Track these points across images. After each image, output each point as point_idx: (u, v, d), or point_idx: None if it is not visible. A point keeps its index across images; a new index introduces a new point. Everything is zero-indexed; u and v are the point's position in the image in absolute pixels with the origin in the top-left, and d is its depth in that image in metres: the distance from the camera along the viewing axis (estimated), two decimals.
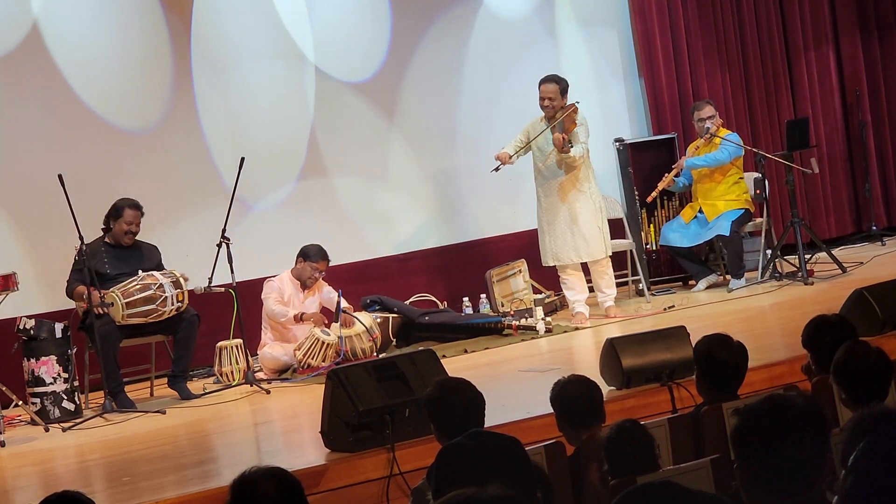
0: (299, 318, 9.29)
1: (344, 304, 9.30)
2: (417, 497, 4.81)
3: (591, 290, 10.17)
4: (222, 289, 8.99)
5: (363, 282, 10.44)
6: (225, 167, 9.88)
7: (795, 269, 10.41)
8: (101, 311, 8.58)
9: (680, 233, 10.82)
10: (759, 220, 10.90)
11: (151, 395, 9.29)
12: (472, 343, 9.62)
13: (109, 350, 8.67)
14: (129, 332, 8.82)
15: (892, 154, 12.49)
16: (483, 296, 10.58)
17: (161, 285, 8.74)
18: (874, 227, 12.18)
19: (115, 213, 9.00)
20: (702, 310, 9.92)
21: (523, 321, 9.84)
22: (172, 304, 8.76)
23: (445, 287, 10.86)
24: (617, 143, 11.22)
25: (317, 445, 6.64)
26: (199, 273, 9.07)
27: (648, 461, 4.62)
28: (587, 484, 5.03)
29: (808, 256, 10.52)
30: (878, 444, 2.96)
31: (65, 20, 9.78)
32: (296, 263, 9.52)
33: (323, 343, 9.11)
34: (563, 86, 9.86)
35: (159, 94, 10.09)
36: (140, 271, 8.84)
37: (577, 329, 9.79)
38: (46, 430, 8.24)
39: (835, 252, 10.94)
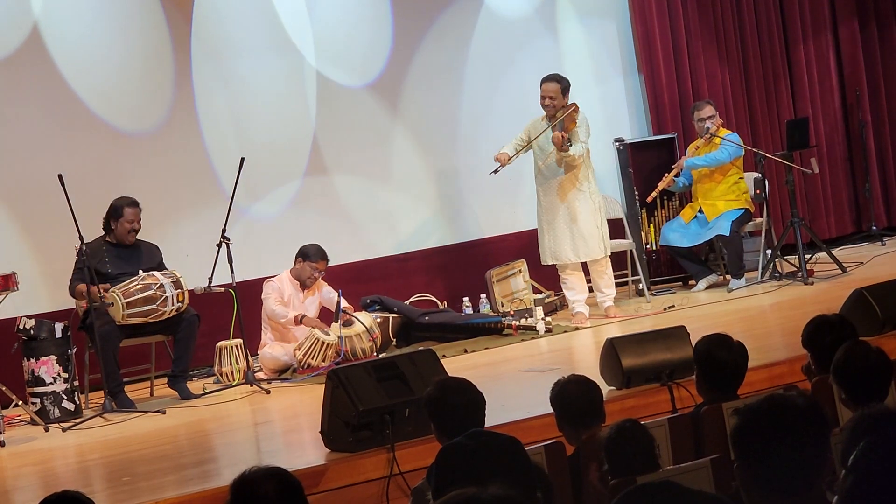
0: (299, 321, 9.29)
1: (344, 303, 9.30)
2: (417, 497, 4.81)
3: (592, 290, 10.17)
4: (222, 289, 8.99)
5: (363, 282, 10.44)
6: (225, 167, 9.87)
7: (795, 269, 10.41)
8: (101, 298, 8.55)
9: (680, 233, 10.82)
10: (759, 220, 10.90)
11: (151, 395, 9.29)
12: (472, 343, 9.62)
13: (109, 350, 8.67)
14: (129, 331, 8.82)
15: (892, 154, 12.49)
16: (483, 296, 10.58)
17: (161, 285, 8.74)
18: (874, 227, 12.18)
19: (114, 213, 9.00)
20: (702, 310, 9.92)
21: (523, 321, 9.84)
22: (173, 304, 8.76)
23: (445, 287, 10.86)
24: (617, 143, 11.22)
25: (317, 445, 6.64)
26: (199, 273, 9.08)
27: (648, 461, 4.62)
28: (587, 484, 5.03)
29: (808, 256, 10.52)
30: (878, 444, 2.96)
31: (65, 21, 9.78)
32: (295, 263, 9.52)
33: (323, 343, 9.11)
34: (564, 85, 9.87)
35: (160, 95, 10.09)
36: (141, 271, 8.84)
37: (577, 329, 9.79)
38: (46, 429, 8.24)
39: (835, 252, 10.94)
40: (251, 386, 8.85)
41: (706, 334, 5.58)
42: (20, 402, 8.46)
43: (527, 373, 8.36)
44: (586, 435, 5.20)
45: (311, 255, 9.45)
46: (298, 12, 10.53)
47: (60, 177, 8.44)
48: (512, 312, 10.11)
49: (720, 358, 5.44)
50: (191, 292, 8.92)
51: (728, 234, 10.58)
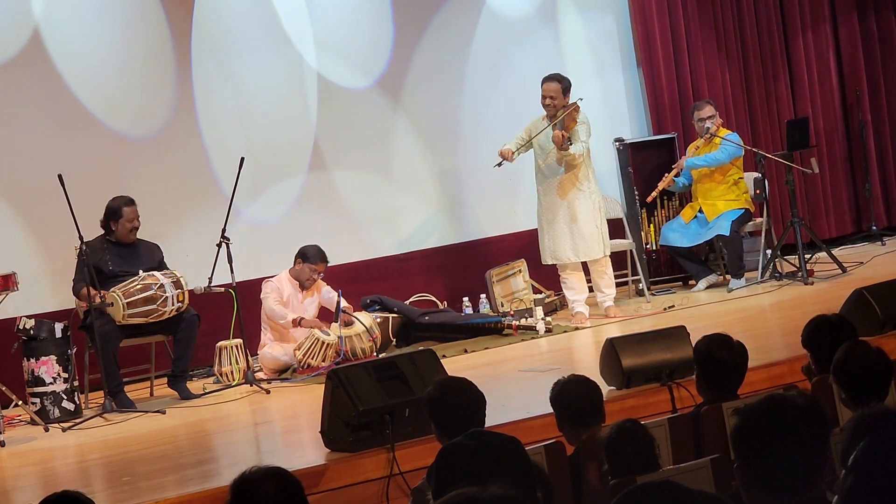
0: (297, 323, 9.28)
1: (344, 303, 9.30)
2: (417, 497, 4.81)
3: (592, 289, 10.17)
4: (222, 289, 8.99)
5: (363, 282, 10.44)
6: (226, 167, 9.86)
7: (795, 268, 10.41)
8: (101, 299, 8.56)
9: (680, 233, 10.82)
10: (759, 219, 10.90)
11: (151, 395, 9.29)
12: (472, 343, 9.62)
13: (109, 350, 8.67)
14: (129, 331, 8.82)
15: (892, 154, 12.48)
16: (483, 296, 10.58)
17: (162, 285, 8.74)
18: (874, 227, 12.18)
19: (113, 214, 8.99)
20: (702, 310, 9.92)
21: (523, 321, 9.84)
22: (173, 305, 8.76)
23: (445, 287, 10.86)
24: (617, 143, 11.22)
25: (317, 445, 6.64)
26: (199, 273, 9.08)
27: (648, 461, 4.62)
28: (587, 484, 5.03)
29: (808, 256, 10.51)
30: (878, 444, 2.96)
31: (65, 24, 9.77)
32: (294, 264, 9.52)
33: (323, 343, 9.11)
34: (565, 85, 9.87)
35: (160, 96, 10.09)
36: (141, 271, 8.84)
37: (577, 329, 9.79)
38: (46, 429, 8.24)
39: (835, 252, 10.94)
40: (251, 386, 8.85)
41: (706, 334, 5.58)
42: (20, 402, 8.46)
43: (527, 373, 8.36)
44: (586, 435, 5.20)
45: (310, 256, 9.45)
46: (298, 12, 10.53)
47: (60, 177, 8.44)
48: (512, 312, 10.11)
49: (720, 358, 5.44)
50: (191, 292, 8.92)
51: (728, 234, 10.58)
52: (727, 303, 10.05)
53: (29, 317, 8.70)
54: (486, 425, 4.98)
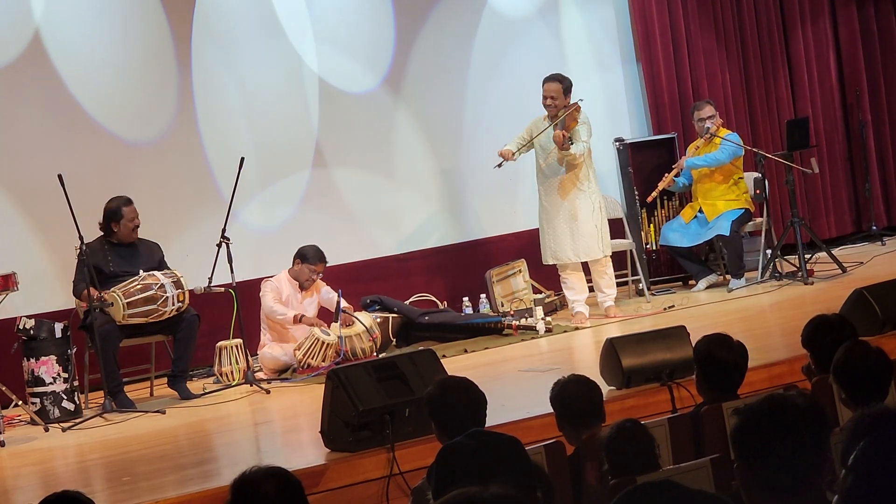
0: (298, 320, 9.29)
1: (344, 303, 9.30)
2: (417, 497, 4.81)
3: (592, 289, 10.17)
4: (222, 289, 8.99)
5: (363, 282, 10.44)
6: (226, 168, 9.85)
7: (795, 268, 10.41)
8: (100, 299, 8.56)
9: (680, 232, 10.83)
10: (759, 219, 10.90)
11: (151, 394, 9.29)
12: (472, 343, 9.62)
13: (109, 350, 8.67)
14: (129, 331, 8.82)
15: (892, 154, 12.49)
16: (483, 296, 10.58)
17: (162, 285, 8.74)
18: (874, 227, 12.18)
19: (113, 216, 8.97)
20: (702, 310, 9.92)
21: (523, 321, 9.84)
22: (173, 305, 8.76)
23: (445, 287, 10.86)
24: (617, 143, 11.22)
25: (317, 445, 6.64)
26: (199, 273, 9.08)
27: (648, 461, 4.62)
28: (587, 484, 5.03)
29: (808, 256, 10.51)
30: (878, 444, 2.96)
31: (66, 27, 9.77)
32: (293, 264, 9.52)
33: (323, 343, 9.11)
34: (566, 85, 9.88)
35: (160, 98, 10.08)
36: (141, 270, 8.84)
37: (577, 329, 9.79)
38: (46, 429, 8.24)
39: (835, 252, 10.94)
40: (251, 386, 8.85)
41: (706, 334, 5.58)
42: (20, 402, 8.46)
43: (527, 373, 8.35)
44: (586, 435, 5.20)
45: (309, 257, 9.45)
46: (299, 13, 10.53)
47: (60, 177, 8.44)
48: (512, 312, 10.11)
49: (720, 358, 5.44)
50: (191, 292, 8.92)
51: (728, 234, 10.58)
52: (727, 303, 10.05)
53: (29, 317, 8.70)
54: (486, 425, 4.97)
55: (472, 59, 11.16)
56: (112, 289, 8.67)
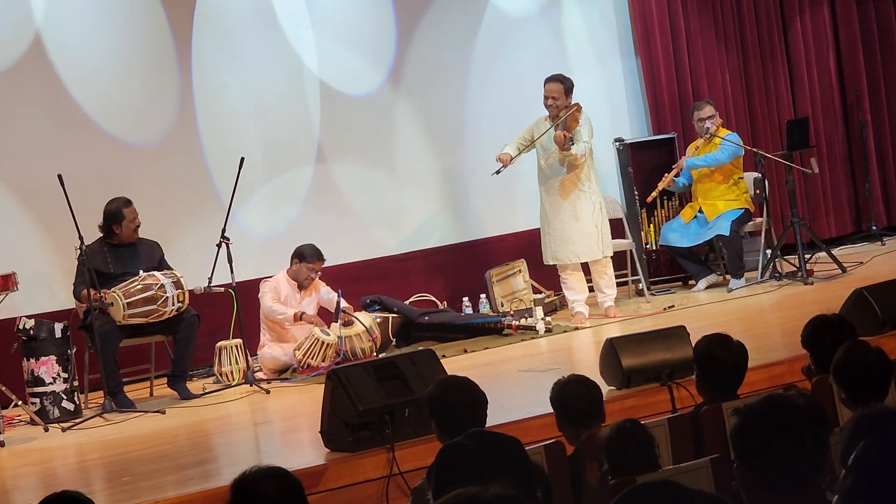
0: (299, 317, 9.29)
1: (344, 303, 9.29)
2: (417, 497, 4.81)
3: (592, 290, 10.17)
4: (222, 289, 8.99)
5: (363, 282, 10.44)
6: (227, 168, 9.83)
7: (795, 268, 10.41)
8: (101, 299, 8.57)
9: (680, 232, 10.83)
10: (758, 219, 10.90)
11: (151, 395, 9.29)
12: (471, 343, 9.62)
13: (109, 350, 8.67)
14: (129, 331, 8.82)
15: (892, 154, 12.49)
16: (483, 296, 10.58)
17: (162, 285, 8.74)
18: (874, 227, 12.18)
19: (115, 217, 8.96)
20: (702, 310, 9.92)
21: (523, 321, 9.84)
22: (173, 305, 8.76)
23: (445, 287, 10.86)
24: (617, 143, 11.21)
25: (316, 445, 6.64)
26: (198, 273, 9.08)
27: (648, 461, 4.62)
28: (587, 484, 5.03)
29: (807, 256, 10.51)
30: (878, 444, 2.96)
31: (67, 29, 9.77)
32: (291, 264, 9.51)
33: (323, 343, 9.11)
34: (567, 85, 9.87)
35: (161, 100, 10.08)
36: (141, 271, 8.84)
37: (576, 329, 9.79)
38: (46, 429, 8.24)
39: (835, 252, 10.94)
40: (251, 386, 8.85)
41: (706, 334, 5.58)
42: (20, 402, 8.46)
43: (527, 373, 8.35)
44: (586, 435, 5.20)
45: (307, 255, 9.44)
46: (300, 13, 10.53)
47: (60, 177, 8.44)
48: (512, 312, 10.11)
49: (720, 358, 5.44)
50: (191, 292, 8.92)
51: (728, 234, 10.58)
52: (727, 303, 10.05)
53: (29, 317, 8.70)
54: (486, 425, 4.97)
55: (473, 59, 11.16)
56: (112, 289, 8.67)
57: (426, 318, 9.93)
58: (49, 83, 9.69)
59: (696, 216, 10.82)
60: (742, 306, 9.84)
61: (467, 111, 11.14)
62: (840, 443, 3.31)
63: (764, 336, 8.49)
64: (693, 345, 5.88)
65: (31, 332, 8.59)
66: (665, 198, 11.12)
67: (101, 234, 8.99)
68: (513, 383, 8.08)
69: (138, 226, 9.02)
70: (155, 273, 8.84)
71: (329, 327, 9.30)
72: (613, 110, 11.60)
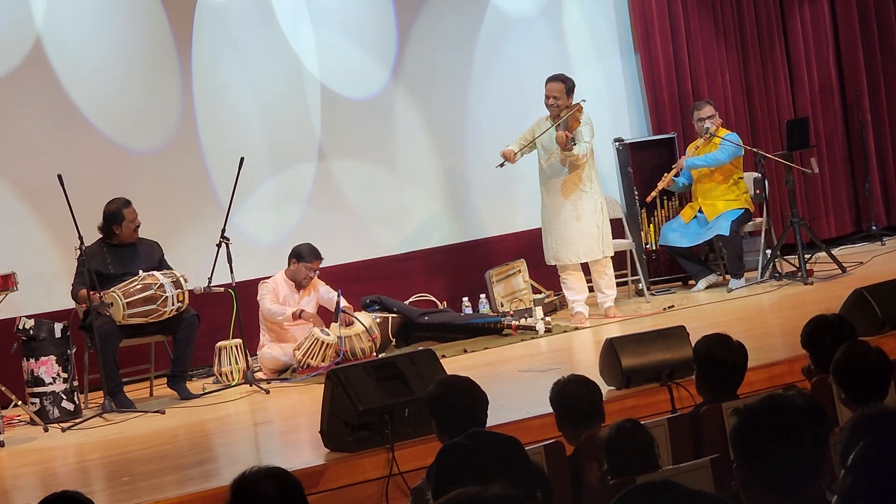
0: (298, 315, 9.29)
1: (344, 303, 9.29)
2: (417, 497, 4.81)
3: (592, 290, 10.17)
4: (222, 289, 8.99)
5: (363, 282, 10.44)
6: (227, 169, 9.83)
7: (795, 268, 10.41)
8: (102, 312, 8.58)
9: (680, 232, 10.82)
10: (758, 219, 10.90)
11: (151, 395, 9.29)
12: (471, 343, 9.62)
13: (109, 350, 8.66)
14: (128, 331, 8.82)
15: (892, 154, 12.48)
16: (483, 296, 10.58)
17: (162, 285, 8.74)
18: (874, 227, 12.18)
19: (115, 218, 8.95)
20: (701, 310, 9.92)
21: (523, 321, 9.84)
22: (173, 304, 8.76)
23: (445, 287, 10.86)
24: (617, 143, 11.21)
25: (316, 445, 6.64)
26: (198, 273, 9.08)
27: (648, 461, 4.62)
28: (586, 484, 5.03)
29: (807, 256, 10.51)
30: (878, 444, 2.96)
31: (67, 32, 9.77)
32: (289, 265, 9.51)
33: (322, 343, 9.11)
34: (568, 85, 9.87)
35: (160, 102, 10.08)
36: (141, 271, 8.84)
37: (576, 329, 9.79)
38: (46, 430, 8.24)
39: (835, 252, 10.94)
40: (251, 386, 8.85)
41: (706, 334, 5.58)
42: (20, 403, 8.46)
43: (527, 373, 8.35)
44: (586, 435, 5.20)
45: (304, 255, 9.44)
46: (300, 13, 10.53)
47: (60, 177, 8.44)
48: (511, 312, 10.11)
49: (720, 358, 5.44)
50: (191, 292, 8.92)
51: (728, 234, 10.58)
52: (727, 303, 10.05)
53: (29, 317, 8.70)
54: (486, 425, 4.97)
55: (473, 59, 11.16)
56: (112, 289, 8.67)
57: (426, 318, 9.93)
58: (49, 84, 9.70)
59: (695, 216, 10.82)
60: (742, 306, 9.84)
61: (468, 111, 11.14)
62: (840, 443, 3.31)
63: (764, 336, 8.49)
64: (693, 345, 5.88)
65: (31, 332, 8.59)
66: (665, 198, 11.12)
67: (101, 235, 8.99)
68: (513, 383, 8.07)
69: (138, 226, 9.02)
70: (154, 273, 8.84)
71: (328, 326, 9.30)
72: (613, 110, 11.60)
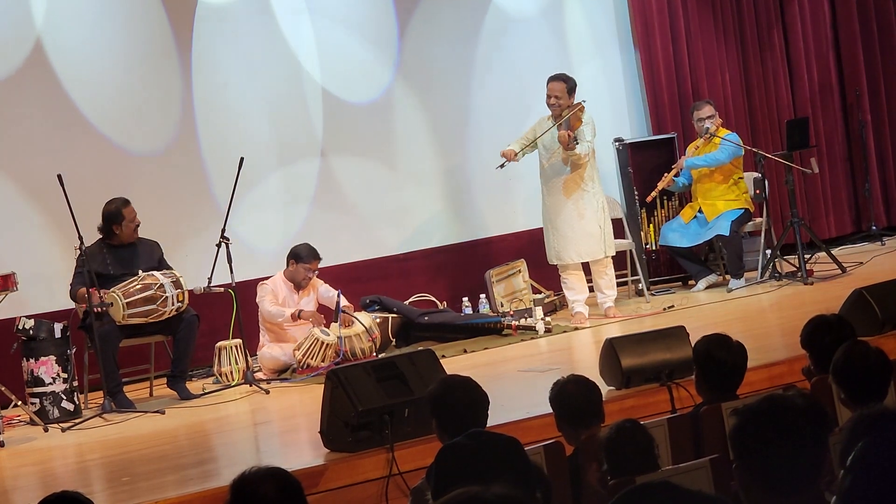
0: (297, 316, 9.29)
1: (344, 303, 9.29)
2: (416, 497, 4.81)
3: (592, 290, 10.16)
4: (222, 289, 8.98)
5: (363, 282, 10.44)
6: (227, 170, 9.82)
7: (795, 269, 10.41)
8: (99, 311, 8.58)
9: (680, 232, 10.82)
10: (758, 219, 10.90)
11: (151, 395, 9.29)
12: (471, 343, 9.62)
13: (108, 350, 8.67)
14: (128, 331, 8.82)
15: (892, 154, 12.48)
16: (483, 296, 10.58)
17: (161, 285, 8.74)
18: (874, 227, 12.18)
19: (114, 218, 8.95)
20: (701, 310, 9.92)
21: (523, 321, 9.84)
22: (173, 305, 8.76)
23: (445, 287, 10.86)
24: (617, 143, 11.21)
25: (316, 445, 6.64)
26: (198, 273, 9.08)
27: (648, 461, 4.62)
28: (586, 484, 5.03)
29: (807, 256, 10.51)
30: (877, 444, 2.96)
31: (67, 33, 9.77)
32: (287, 265, 9.50)
33: (322, 343, 9.11)
34: (570, 85, 9.87)
35: (161, 102, 10.08)
36: (141, 271, 8.84)
37: (576, 329, 9.79)
38: (46, 430, 8.24)
39: (834, 252, 10.94)
40: (250, 386, 8.85)
41: (705, 334, 5.58)
42: (19, 403, 8.46)
43: (526, 373, 8.35)
44: (585, 435, 5.20)
45: (303, 256, 9.44)
46: (299, 12, 10.53)
47: (60, 177, 8.44)
48: (511, 312, 10.11)
49: (719, 358, 5.44)
50: (190, 292, 8.92)
51: (728, 234, 10.58)
52: (727, 303, 10.05)
53: (28, 317, 8.71)
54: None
55: (474, 58, 11.15)
56: (112, 289, 8.67)
57: (426, 318, 9.93)
58: (50, 85, 9.70)
59: (695, 216, 10.82)
60: (742, 306, 9.84)
61: (469, 111, 11.14)
62: (839, 443, 3.30)
63: (764, 336, 8.49)
64: (692, 345, 5.88)
65: (31, 332, 8.59)
66: (665, 198, 11.12)
67: (101, 236, 8.99)
68: (512, 383, 8.07)
69: (138, 225, 9.02)
70: (154, 273, 8.84)
71: (328, 326, 9.30)
72: (614, 110, 11.59)
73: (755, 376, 6.73)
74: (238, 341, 9.15)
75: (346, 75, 10.71)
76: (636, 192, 10.94)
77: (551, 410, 5.40)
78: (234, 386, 9.05)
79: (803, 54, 12.11)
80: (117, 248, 9.01)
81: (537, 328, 9.69)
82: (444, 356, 8.56)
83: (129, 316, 8.63)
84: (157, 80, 10.08)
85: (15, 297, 8.56)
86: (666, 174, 10.67)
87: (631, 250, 10.74)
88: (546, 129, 9.85)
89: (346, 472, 6.29)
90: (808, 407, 3.20)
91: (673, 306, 10.09)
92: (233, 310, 8.88)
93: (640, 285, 10.70)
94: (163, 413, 8.36)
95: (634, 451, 4.63)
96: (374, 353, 9.16)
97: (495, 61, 11.22)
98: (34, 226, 9.63)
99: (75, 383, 8.72)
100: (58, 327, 8.65)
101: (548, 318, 9.91)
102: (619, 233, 10.62)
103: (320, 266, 9.55)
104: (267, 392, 8.74)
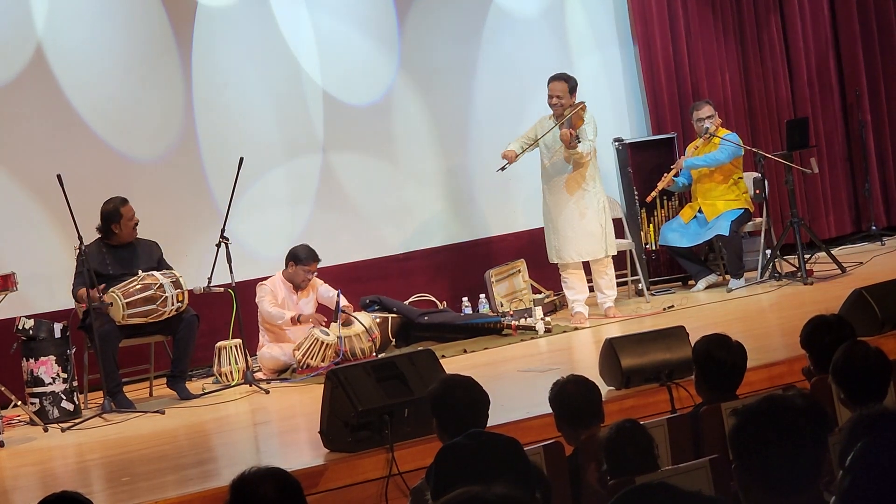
0: (296, 320, 9.28)
1: (344, 303, 9.29)
2: (416, 497, 4.81)
3: (592, 289, 10.16)
4: (221, 289, 8.98)
5: (363, 282, 10.44)
6: (227, 170, 9.82)
7: (795, 269, 10.41)
8: (100, 299, 8.57)
9: (679, 232, 10.83)
10: (758, 219, 10.90)
11: (150, 395, 9.29)
12: (471, 343, 9.62)
13: (108, 350, 8.66)
14: (128, 332, 8.82)
15: (892, 154, 12.48)
16: (482, 296, 10.58)
17: (161, 285, 8.74)
18: (874, 227, 12.18)
19: (113, 217, 8.95)
20: (701, 310, 9.92)
21: (522, 321, 9.84)
22: (172, 305, 8.76)
23: (445, 287, 10.86)
24: (616, 143, 11.21)
25: (316, 445, 6.64)
26: (198, 273, 9.08)
27: (647, 461, 4.62)
28: (586, 484, 5.03)
29: (807, 256, 10.51)
30: (876, 445, 2.96)
31: (68, 37, 9.77)
32: (286, 266, 9.50)
33: (322, 343, 9.11)
34: (571, 84, 9.87)
35: (160, 102, 10.08)
36: (140, 271, 8.84)
37: (576, 329, 9.79)
38: (45, 430, 8.24)
39: (834, 252, 10.94)
40: (250, 386, 8.85)
41: (705, 334, 5.58)
42: (19, 403, 8.46)
43: (526, 373, 8.35)
44: (585, 435, 5.20)
45: (302, 257, 9.43)
46: (299, 12, 10.53)
47: (59, 177, 8.44)
48: (511, 312, 10.11)
49: (719, 358, 5.44)
50: (190, 292, 8.92)
51: (727, 234, 10.58)
52: (726, 303, 10.05)
53: (28, 317, 8.70)
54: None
55: (476, 58, 11.15)
56: (111, 289, 8.67)
57: (426, 318, 9.93)
58: (50, 85, 9.70)
59: (695, 216, 10.82)
60: (742, 306, 9.84)
61: (469, 111, 11.14)
62: (839, 443, 3.31)
63: (763, 336, 8.49)
64: (692, 345, 5.88)
65: (31, 332, 8.59)
66: (665, 198, 11.12)
67: (100, 236, 8.99)
68: (512, 383, 8.07)
69: (136, 224, 9.02)
70: (154, 273, 8.84)
71: (328, 327, 9.30)
72: (614, 110, 11.59)
73: (755, 376, 6.73)
74: (238, 341, 9.15)
75: (347, 75, 10.71)
76: (636, 192, 10.95)
77: (551, 410, 5.40)
78: (233, 386, 9.05)
79: (803, 54, 12.11)
80: (117, 248, 9.01)
81: (537, 328, 9.69)
82: (443, 356, 8.56)
83: (128, 316, 8.63)
84: (157, 80, 10.08)
85: (15, 297, 8.56)
86: (666, 174, 10.67)
87: (631, 250, 10.74)
88: (548, 129, 9.85)
89: (346, 473, 6.29)
90: (808, 407, 3.20)
91: (673, 306, 10.09)
92: (233, 310, 8.88)
93: (640, 285, 10.70)
94: (163, 413, 8.36)
95: (634, 452, 4.63)
96: (374, 353, 9.16)
97: (495, 61, 11.22)
98: (34, 226, 9.64)
99: (75, 383, 8.72)
100: (58, 327, 8.65)
101: (548, 318, 9.91)
102: (618, 233, 10.62)
103: (320, 266, 9.55)
104: (267, 392, 8.74)
